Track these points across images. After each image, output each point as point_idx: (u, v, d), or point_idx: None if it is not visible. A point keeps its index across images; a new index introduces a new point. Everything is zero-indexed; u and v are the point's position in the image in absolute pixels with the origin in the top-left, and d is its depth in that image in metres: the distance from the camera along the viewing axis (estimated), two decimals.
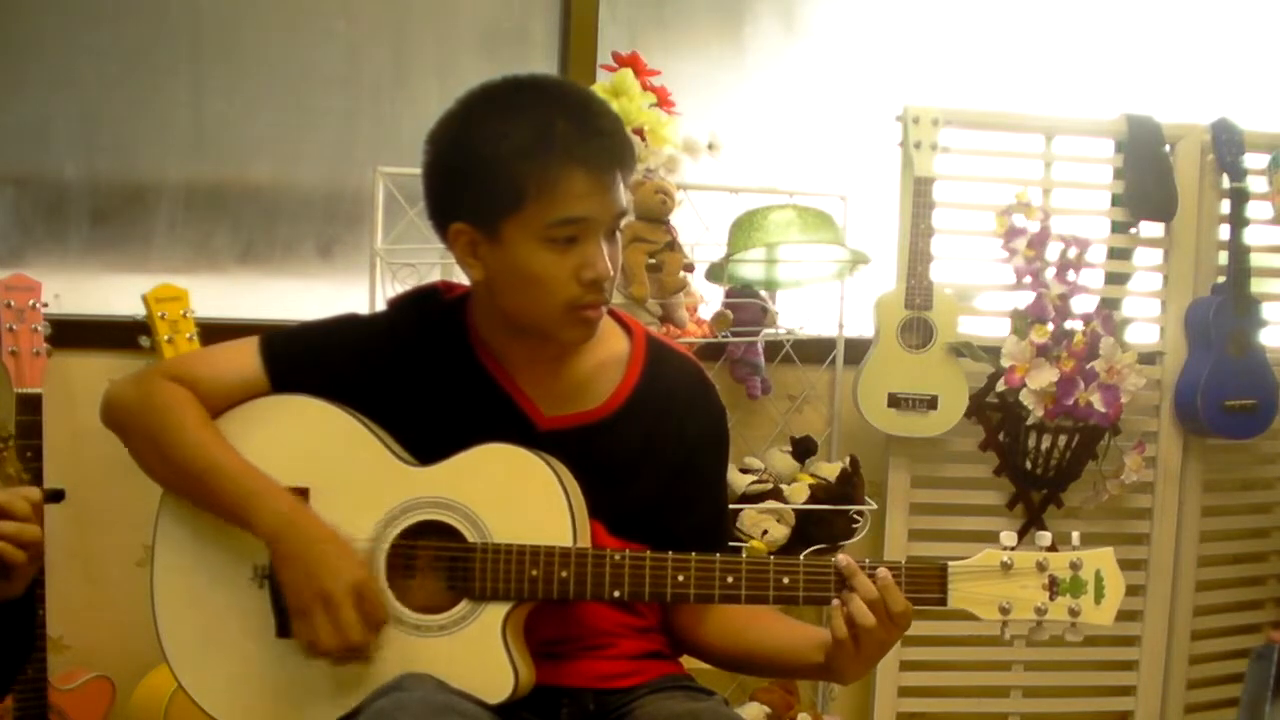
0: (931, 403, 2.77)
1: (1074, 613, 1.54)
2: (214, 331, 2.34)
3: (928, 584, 1.54)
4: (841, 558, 1.55)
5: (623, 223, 1.61)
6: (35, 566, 1.45)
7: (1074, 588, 1.53)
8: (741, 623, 1.71)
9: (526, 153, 1.51)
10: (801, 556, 2.56)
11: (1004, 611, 1.53)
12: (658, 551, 1.58)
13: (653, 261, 2.56)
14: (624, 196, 1.58)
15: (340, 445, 1.63)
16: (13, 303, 2.38)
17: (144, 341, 2.44)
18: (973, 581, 1.54)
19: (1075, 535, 1.56)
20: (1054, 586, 1.53)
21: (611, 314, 1.73)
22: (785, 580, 1.55)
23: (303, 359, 1.67)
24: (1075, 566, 1.54)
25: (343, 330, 1.72)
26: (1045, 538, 1.55)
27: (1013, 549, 1.55)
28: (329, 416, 1.64)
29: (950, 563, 1.55)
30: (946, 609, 1.55)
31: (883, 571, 1.53)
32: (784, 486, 2.67)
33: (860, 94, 3.08)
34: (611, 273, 1.58)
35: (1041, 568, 1.54)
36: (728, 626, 1.72)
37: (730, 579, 1.56)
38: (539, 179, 1.51)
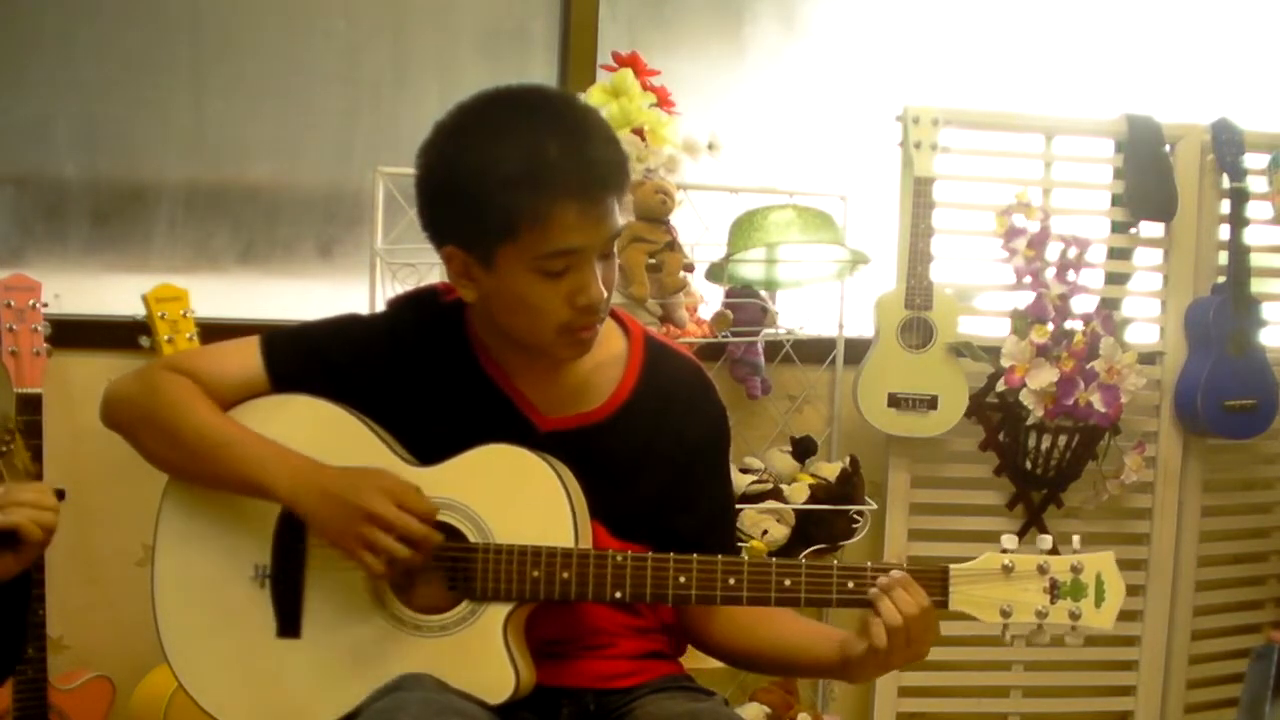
0: (931, 403, 2.77)
1: (1074, 616, 1.54)
2: (214, 331, 2.34)
3: (929, 586, 1.54)
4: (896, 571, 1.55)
5: (618, 236, 1.59)
6: (39, 551, 1.51)
7: (1075, 591, 1.54)
8: (753, 620, 1.71)
9: (518, 185, 1.49)
10: (800, 558, 2.61)
11: (1005, 614, 1.54)
12: (659, 552, 1.58)
13: (653, 261, 2.56)
14: (618, 217, 1.56)
15: (342, 445, 1.62)
16: (13, 303, 2.38)
17: (144, 341, 2.44)
18: (974, 584, 1.54)
19: (1076, 539, 1.56)
20: (1055, 590, 1.54)
21: (610, 314, 1.72)
22: (787, 582, 1.55)
23: (304, 359, 1.67)
24: (1076, 570, 1.54)
25: (343, 330, 1.72)
26: (1046, 541, 1.56)
27: (1014, 552, 1.55)
28: (331, 416, 1.64)
29: (951, 565, 1.55)
30: (947, 609, 1.55)
31: (896, 573, 1.54)
32: (784, 486, 2.67)
33: (860, 94, 3.08)
34: (605, 295, 1.57)
35: (1043, 571, 1.54)
36: (739, 624, 1.72)
37: (732, 580, 1.56)
38: (531, 213, 1.49)
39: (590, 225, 1.52)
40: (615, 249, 1.60)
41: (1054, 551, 1.55)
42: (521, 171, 1.49)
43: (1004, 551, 1.55)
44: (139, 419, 1.65)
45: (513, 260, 1.53)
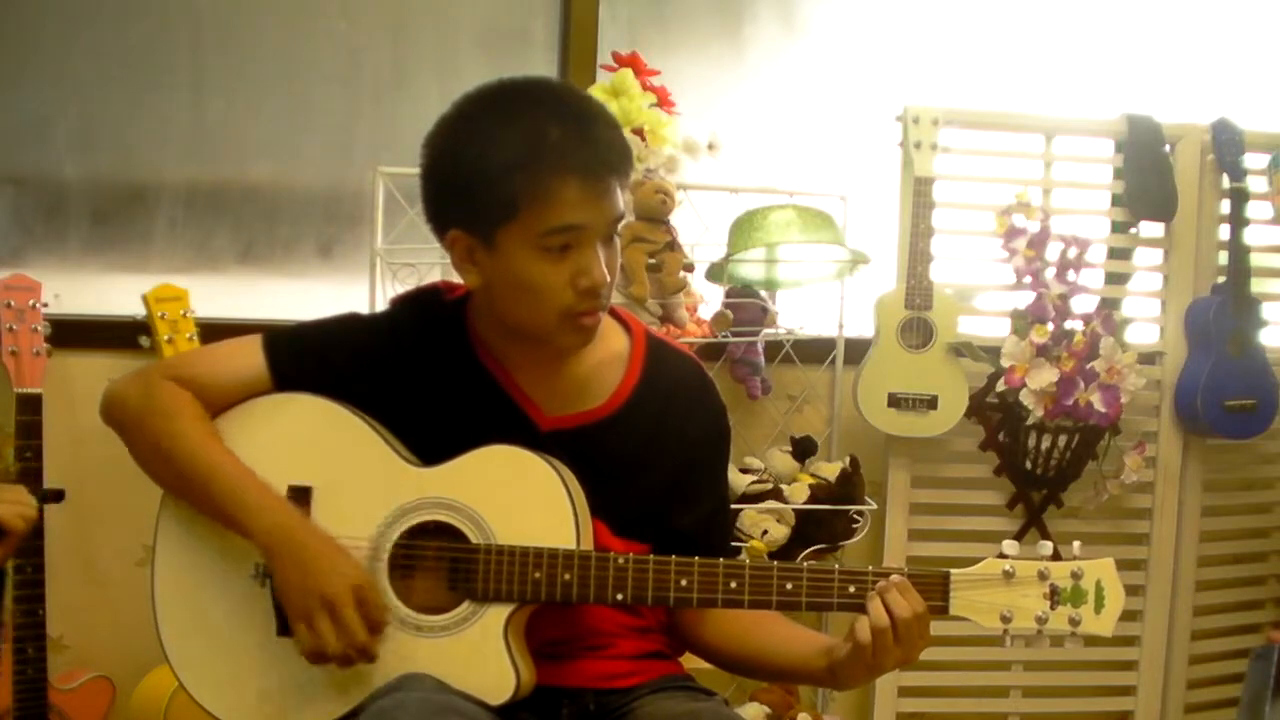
0: (931, 403, 2.77)
1: (1074, 622, 1.54)
2: (214, 331, 2.34)
3: (930, 591, 1.54)
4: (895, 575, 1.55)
5: (621, 225, 1.60)
6: (19, 543, 1.57)
7: (1075, 597, 1.54)
8: (745, 625, 1.71)
9: (519, 162, 1.50)
10: (800, 558, 2.61)
11: (1005, 620, 1.54)
12: (660, 552, 1.58)
13: (653, 261, 2.56)
14: (620, 201, 1.57)
15: (344, 444, 1.63)
16: (13, 303, 2.38)
17: (144, 341, 2.44)
18: (974, 589, 1.54)
19: (1076, 545, 1.56)
20: (1055, 595, 1.54)
21: (611, 312, 1.72)
22: (789, 585, 1.55)
23: (306, 358, 1.67)
24: (1076, 576, 1.54)
25: (345, 329, 1.72)
26: (1047, 547, 1.56)
27: (1015, 557, 1.55)
28: (334, 415, 1.64)
29: (952, 570, 1.55)
30: (948, 614, 1.55)
31: (895, 577, 1.54)
32: (784, 486, 2.67)
33: (860, 94, 3.08)
34: (608, 279, 1.57)
35: (1043, 576, 1.54)
36: (731, 628, 1.72)
37: (733, 583, 1.56)
38: (532, 189, 1.50)
39: (592, 203, 1.53)
40: (617, 238, 1.60)
41: (1055, 557, 1.55)
42: (523, 152, 1.50)
43: (1004, 557, 1.55)
44: (133, 429, 1.65)
45: (515, 240, 1.53)
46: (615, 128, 1.58)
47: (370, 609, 1.53)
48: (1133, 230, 3.01)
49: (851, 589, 1.55)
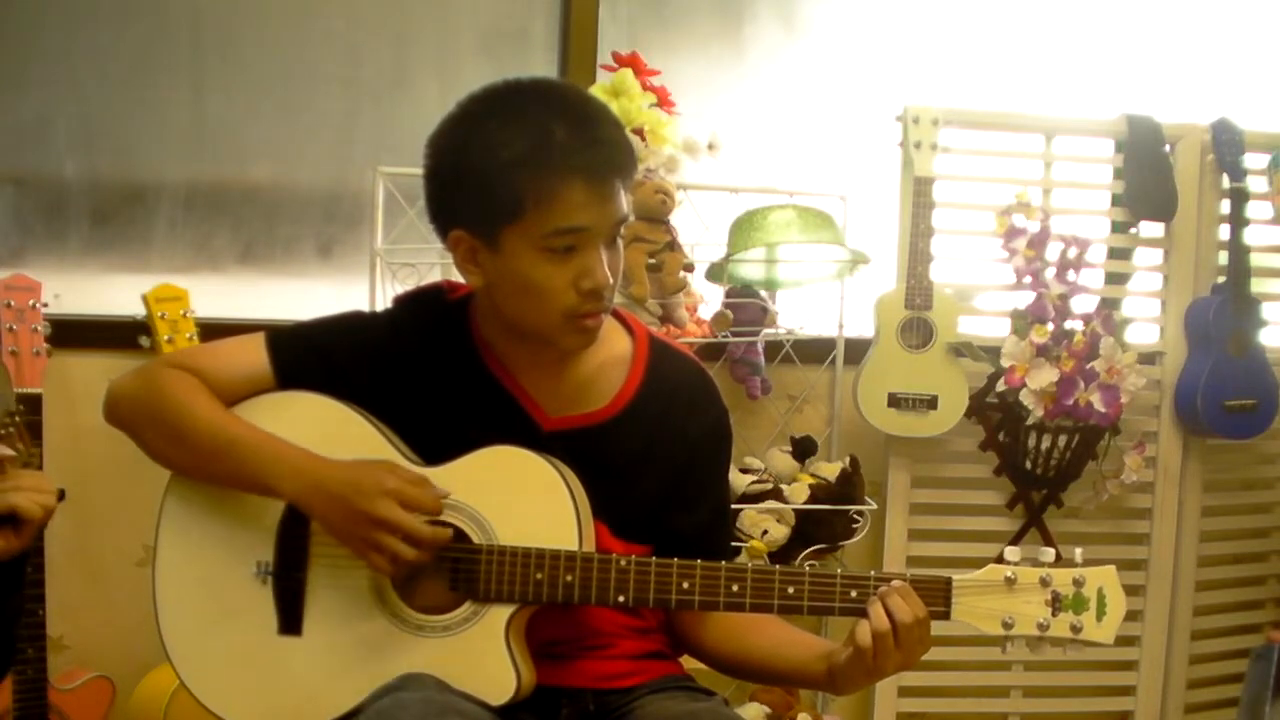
0: (931, 403, 2.77)
1: (1075, 629, 1.53)
2: (214, 331, 2.33)
3: (932, 597, 1.54)
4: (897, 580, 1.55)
5: (623, 228, 1.60)
6: (37, 531, 1.53)
7: (1076, 604, 1.53)
8: (743, 628, 1.70)
9: (524, 163, 1.50)
10: (800, 558, 2.61)
11: (1006, 626, 1.54)
12: (662, 554, 1.58)
13: (653, 261, 2.56)
14: (624, 203, 1.57)
15: (347, 443, 1.62)
16: (13, 303, 2.38)
17: (144, 341, 2.44)
18: (976, 596, 1.54)
19: (1078, 552, 1.56)
20: (1056, 603, 1.53)
21: (614, 314, 1.72)
22: (791, 589, 1.55)
23: (309, 356, 1.67)
24: (1078, 583, 1.54)
25: (347, 327, 1.72)
26: (1049, 554, 1.55)
27: (1016, 564, 1.55)
28: (336, 414, 1.64)
29: (954, 577, 1.55)
30: (949, 620, 1.55)
31: (896, 582, 1.53)
32: (784, 486, 2.67)
33: (860, 94, 3.08)
34: (611, 281, 1.57)
35: (1045, 583, 1.54)
36: (729, 630, 1.71)
37: (735, 587, 1.56)
38: (537, 189, 1.50)
39: (596, 204, 1.53)
40: (620, 239, 1.60)
41: (1057, 563, 1.55)
42: (528, 151, 1.50)
43: (1006, 563, 1.55)
44: (143, 417, 1.65)
45: (519, 240, 1.53)
46: (619, 128, 1.58)
47: (415, 499, 1.53)
48: (1133, 230, 3.01)
49: (853, 593, 1.55)
